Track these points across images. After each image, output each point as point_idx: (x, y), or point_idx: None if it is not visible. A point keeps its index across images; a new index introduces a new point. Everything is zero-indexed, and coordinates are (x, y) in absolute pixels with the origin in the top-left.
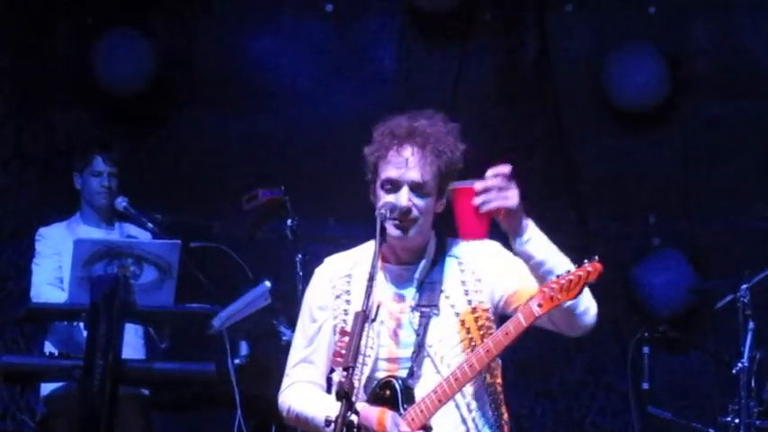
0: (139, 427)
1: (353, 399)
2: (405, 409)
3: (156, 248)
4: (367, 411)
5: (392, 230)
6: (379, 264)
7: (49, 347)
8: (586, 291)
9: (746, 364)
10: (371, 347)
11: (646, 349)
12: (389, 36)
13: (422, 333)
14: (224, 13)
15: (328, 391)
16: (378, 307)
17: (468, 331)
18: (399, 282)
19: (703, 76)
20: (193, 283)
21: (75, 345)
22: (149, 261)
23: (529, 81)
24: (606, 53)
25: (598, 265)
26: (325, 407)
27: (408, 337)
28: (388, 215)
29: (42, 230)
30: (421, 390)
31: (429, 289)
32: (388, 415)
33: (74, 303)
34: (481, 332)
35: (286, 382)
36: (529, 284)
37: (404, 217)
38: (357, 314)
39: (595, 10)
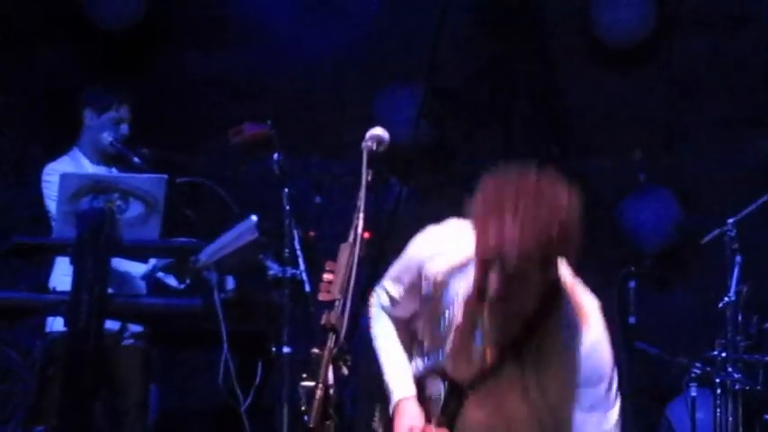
0: (139, 381)
1: (341, 332)
2: None
3: (142, 183)
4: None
5: None
6: None
7: (53, 283)
8: None
9: (733, 299)
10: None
11: (632, 284)
12: None
13: None
14: None
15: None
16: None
17: None
18: None
19: (689, 13)
20: (180, 218)
21: None
22: (135, 195)
23: (515, 19)
24: None
25: None
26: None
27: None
28: (374, 147)
29: (52, 166)
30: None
31: None
32: None
33: (60, 238)
34: None
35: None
36: None
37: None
38: (344, 246)
39: None
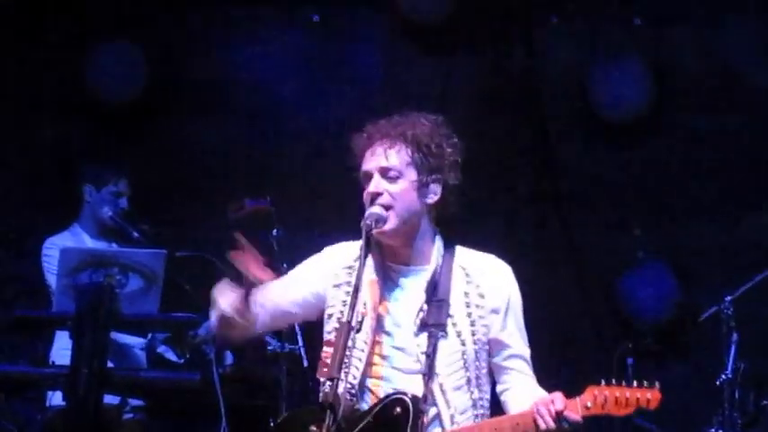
0: None
1: (339, 410)
2: None
3: (141, 257)
4: None
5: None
6: (378, 265)
7: (53, 357)
8: None
9: (730, 376)
10: (361, 350)
11: (630, 361)
12: (376, 46)
13: (432, 355)
14: (212, 24)
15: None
16: (362, 318)
17: (465, 353)
18: (403, 288)
19: (688, 89)
20: (179, 292)
21: None
22: (135, 270)
23: (514, 93)
24: (591, 65)
25: (658, 395)
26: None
27: (413, 351)
28: (373, 225)
29: (53, 240)
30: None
31: (436, 306)
32: None
33: (60, 312)
34: (476, 354)
35: None
36: (516, 345)
37: (375, 200)
38: (342, 325)
39: (581, 22)
